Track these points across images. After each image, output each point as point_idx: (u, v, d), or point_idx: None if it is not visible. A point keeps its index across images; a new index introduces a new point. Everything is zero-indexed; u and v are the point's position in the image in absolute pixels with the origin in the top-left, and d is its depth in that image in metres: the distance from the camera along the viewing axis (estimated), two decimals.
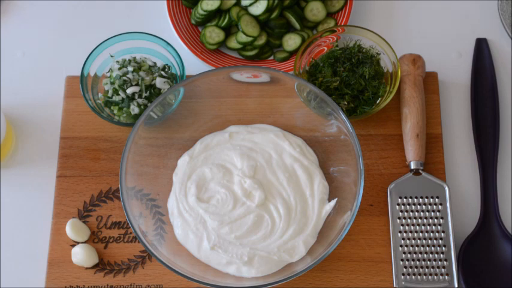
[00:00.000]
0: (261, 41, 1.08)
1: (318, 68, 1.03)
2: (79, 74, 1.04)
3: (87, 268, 0.97)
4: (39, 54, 1.11)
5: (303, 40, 1.08)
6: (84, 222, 0.99)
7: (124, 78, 0.99)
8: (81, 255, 0.96)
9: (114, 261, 0.97)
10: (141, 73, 1.00)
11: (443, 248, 0.96)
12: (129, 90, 0.99)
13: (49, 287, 0.96)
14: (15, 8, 1.14)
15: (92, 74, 1.02)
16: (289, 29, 1.11)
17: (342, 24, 1.09)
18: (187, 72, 1.04)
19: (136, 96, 0.99)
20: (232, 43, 1.09)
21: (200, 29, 1.11)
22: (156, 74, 1.01)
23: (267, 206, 0.95)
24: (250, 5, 1.07)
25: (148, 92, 0.99)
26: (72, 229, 0.97)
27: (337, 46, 1.04)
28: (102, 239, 0.98)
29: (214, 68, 1.05)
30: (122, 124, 0.99)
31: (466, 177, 1.03)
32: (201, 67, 1.05)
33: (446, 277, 0.95)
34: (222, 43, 1.09)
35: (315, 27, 1.11)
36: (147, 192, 0.96)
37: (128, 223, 0.97)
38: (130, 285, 0.96)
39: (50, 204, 1.00)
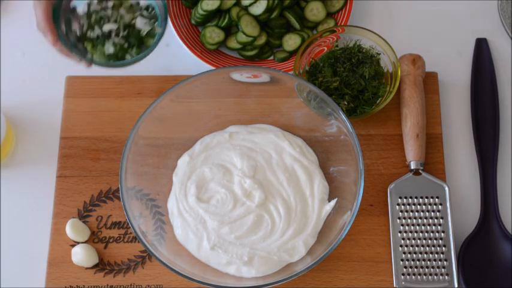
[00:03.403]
0: (261, 41, 1.08)
1: (318, 68, 1.03)
2: (79, 74, 1.04)
3: (87, 268, 0.97)
4: (39, 54, 1.11)
5: (303, 40, 1.08)
6: (84, 222, 0.99)
7: (101, 14, 0.94)
8: (81, 255, 0.96)
9: (114, 261, 0.97)
10: (121, 10, 0.95)
11: (443, 248, 0.96)
12: (106, 27, 0.94)
13: (49, 287, 0.96)
14: (15, 8, 1.14)
15: (71, 5, 0.96)
16: (289, 29, 1.11)
17: (342, 24, 1.09)
18: (187, 73, 1.04)
19: (112, 34, 0.94)
20: (232, 43, 1.09)
21: (200, 29, 1.11)
22: (138, 13, 0.96)
23: (267, 206, 0.95)
24: (250, 5, 1.07)
25: (126, 32, 0.95)
26: (72, 229, 0.97)
27: (337, 46, 1.04)
28: (102, 239, 0.98)
29: (214, 68, 1.05)
30: (95, 62, 0.94)
31: (466, 177, 1.03)
32: (201, 67, 1.05)
33: (446, 277, 0.95)
34: (222, 43, 1.09)
35: (315, 27, 1.11)
36: (147, 192, 0.96)
37: (128, 223, 0.97)
38: (130, 285, 0.96)
39: (50, 204, 1.00)
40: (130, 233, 0.98)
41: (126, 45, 0.96)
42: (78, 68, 1.04)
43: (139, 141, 0.94)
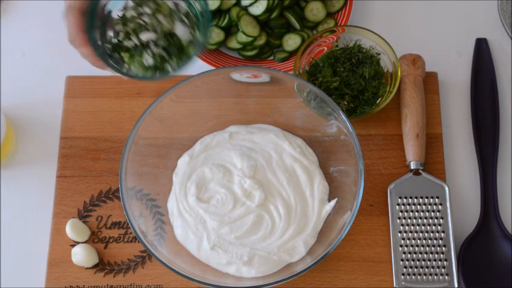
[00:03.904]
0: (261, 41, 1.08)
1: (318, 68, 1.03)
2: (79, 74, 1.04)
3: (87, 268, 0.97)
4: (39, 54, 1.11)
5: (303, 40, 1.08)
6: (84, 222, 0.99)
7: (138, 20, 0.85)
8: (81, 255, 0.96)
9: (114, 261, 0.97)
10: (160, 16, 0.85)
11: (443, 248, 0.96)
12: (144, 36, 0.85)
13: (49, 287, 0.96)
14: (15, 8, 1.14)
15: (106, 11, 0.86)
16: (289, 29, 1.11)
17: (342, 24, 1.09)
18: (187, 72, 1.04)
19: (151, 44, 0.85)
20: (232, 43, 1.09)
21: None
22: (178, 19, 0.85)
23: (267, 206, 0.95)
24: (250, 5, 1.07)
25: (166, 41, 0.85)
26: (72, 229, 0.97)
27: (337, 46, 1.04)
28: (102, 239, 0.98)
29: (214, 68, 1.05)
30: (131, 76, 0.85)
31: (466, 177, 1.03)
32: (201, 67, 1.05)
33: (446, 277, 0.95)
34: (222, 43, 1.09)
35: (315, 27, 1.11)
36: (147, 192, 0.96)
37: (128, 223, 0.97)
38: (130, 285, 0.96)
39: (50, 204, 1.00)
40: (131, 233, 0.99)
41: (166, 55, 0.86)
42: (78, 68, 1.04)
43: (139, 141, 0.94)
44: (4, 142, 1.00)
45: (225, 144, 1.00)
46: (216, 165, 0.98)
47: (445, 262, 0.96)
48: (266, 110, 1.02)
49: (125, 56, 0.86)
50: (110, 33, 0.86)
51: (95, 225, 0.99)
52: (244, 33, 1.07)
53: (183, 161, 0.99)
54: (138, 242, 0.95)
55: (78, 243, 0.98)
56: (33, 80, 1.09)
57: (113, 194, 1.01)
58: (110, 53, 0.86)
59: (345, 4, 1.10)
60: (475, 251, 0.96)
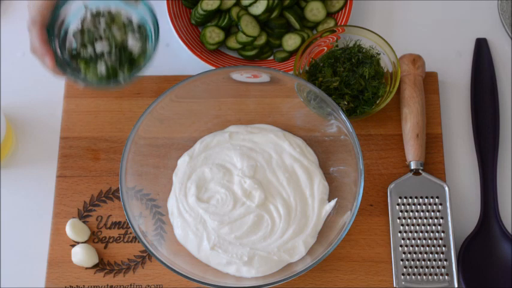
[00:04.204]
0: (261, 41, 1.08)
1: (318, 68, 1.03)
2: None
3: (87, 268, 0.97)
4: None
5: (303, 40, 1.08)
6: (84, 222, 0.99)
7: (94, 32, 0.93)
8: (81, 255, 0.96)
9: (114, 261, 0.97)
10: (114, 29, 0.93)
11: (443, 248, 0.96)
12: (98, 47, 0.92)
13: (49, 287, 0.96)
14: (15, 8, 1.14)
15: (65, 23, 0.94)
16: (289, 29, 1.11)
17: (342, 24, 1.09)
18: (187, 73, 1.04)
19: (105, 54, 0.93)
20: (232, 43, 1.09)
21: (200, 29, 1.11)
22: (130, 32, 0.94)
23: (267, 206, 0.95)
24: (250, 5, 1.07)
25: (118, 51, 0.93)
26: (72, 229, 0.97)
27: (337, 46, 1.04)
28: (102, 239, 0.98)
29: (214, 68, 1.05)
30: (88, 83, 0.93)
31: (466, 177, 1.03)
32: (201, 67, 1.05)
33: (446, 277, 0.95)
34: (222, 43, 1.09)
35: (315, 27, 1.11)
36: (147, 192, 0.96)
37: (128, 223, 0.97)
38: (130, 285, 0.96)
39: (50, 204, 1.00)
40: (131, 233, 0.99)
41: (118, 65, 0.94)
42: None
43: (139, 141, 0.94)
44: (4, 142, 1.00)
45: (225, 144, 1.00)
46: (216, 165, 0.98)
47: (445, 262, 0.96)
48: (266, 110, 1.02)
49: (81, 64, 0.94)
50: (68, 43, 0.94)
51: (95, 225, 0.99)
52: (244, 33, 1.07)
53: (183, 161, 0.99)
54: (138, 242, 0.95)
55: (78, 243, 0.98)
56: (33, 80, 1.09)
57: (113, 194, 1.01)
58: (68, 62, 0.93)
59: (345, 4, 1.10)
60: (475, 251, 0.96)
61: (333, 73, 1.02)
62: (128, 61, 0.94)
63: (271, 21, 1.09)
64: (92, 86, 0.95)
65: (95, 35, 0.93)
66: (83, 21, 0.94)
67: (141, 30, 0.96)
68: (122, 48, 0.94)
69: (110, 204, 1.00)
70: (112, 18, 0.94)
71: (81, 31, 0.94)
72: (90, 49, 0.93)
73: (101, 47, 0.93)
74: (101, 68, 0.93)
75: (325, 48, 1.04)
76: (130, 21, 0.96)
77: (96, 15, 0.94)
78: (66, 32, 0.95)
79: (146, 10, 0.94)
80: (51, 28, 0.92)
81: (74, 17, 0.95)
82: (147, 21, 0.96)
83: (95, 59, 0.93)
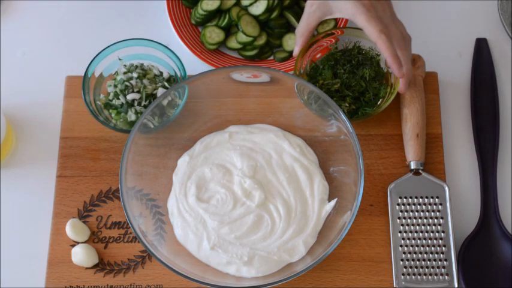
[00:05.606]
0: (261, 41, 1.08)
1: (318, 71, 1.03)
2: (79, 74, 1.04)
3: (87, 268, 0.97)
4: (39, 54, 1.11)
5: None
6: (84, 222, 0.99)
7: (127, 83, 0.99)
8: (81, 255, 0.96)
9: (114, 261, 0.97)
10: (145, 81, 0.99)
11: (443, 248, 0.96)
12: (130, 96, 0.98)
13: (49, 287, 0.96)
14: (15, 8, 1.14)
15: (96, 74, 1.01)
16: (289, 29, 1.11)
17: (342, 25, 1.09)
18: (188, 72, 1.04)
19: (135, 103, 0.99)
20: (232, 43, 1.09)
21: (200, 29, 1.11)
22: (160, 84, 1.00)
23: (267, 206, 0.96)
24: (250, 5, 1.07)
25: (148, 101, 0.99)
26: (72, 229, 0.97)
27: (336, 48, 1.04)
28: (102, 239, 0.98)
29: (214, 68, 1.05)
30: (117, 129, 0.98)
31: (466, 177, 1.03)
32: (201, 67, 1.05)
33: (446, 277, 0.95)
34: (222, 43, 1.09)
35: None
36: (147, 192, 0.96)
37: (128, 223, 0.97)
38: (130, 285, 0.96)
39: (50, 204, 1.00)
40: (131, 233, 0.99)
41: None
42: (78, 68, 1.04)
43: (139, 141, 0.94)
44: (4, 142, 1.00)
45: (225, 144, 1.00)
46: (216, 165, 0.98)
47: (445, 262, 0.96)
48: (266, 110, 1.02)
49: (113, 112, 1.00)
50: (103, 94, 1.01)
51: (95, 225, 0.99)
52: (244, 33, 1.07)
53: (183, 161, 0.99)
54: (138, 242, 0.95)
55: (78, 243, 0.98)
56: (33, 80, 1.09)
57: (113, 194, 1.01)
58: (100, 110, 1.00)
59: None
60: (475, 251, 0.96)
61: (333, 75, 1.02)
62: (158, 111, 0.96)
63: (271, 21, 1.09)
64: (122, 132, 0.98)
65: (127, 86, 0.99)
66: (117, 73, 1.01)
67: (171, 81, 1.02)
68: (152, 97, 0.99)
69: (110, 204, 1.00)
70: (144, 71, 1.01)
71: (115, 82, 1.00)
72: (122, 98, 0.99)
73: (132, 96, 0.99)
74: (131, 115, 0.99)
75: (326, 47, 1.04)
76: (161, 73, 1.02)
77: (130, 69, 1.01)
78: (100, 84, 1.02)
79: (178, 66, 1.00)
80: (84, 80, 0.99)
81: (108, 69, 1.02)
82: (177, 75, 1.02)
83: (126, 107, 0.99)
